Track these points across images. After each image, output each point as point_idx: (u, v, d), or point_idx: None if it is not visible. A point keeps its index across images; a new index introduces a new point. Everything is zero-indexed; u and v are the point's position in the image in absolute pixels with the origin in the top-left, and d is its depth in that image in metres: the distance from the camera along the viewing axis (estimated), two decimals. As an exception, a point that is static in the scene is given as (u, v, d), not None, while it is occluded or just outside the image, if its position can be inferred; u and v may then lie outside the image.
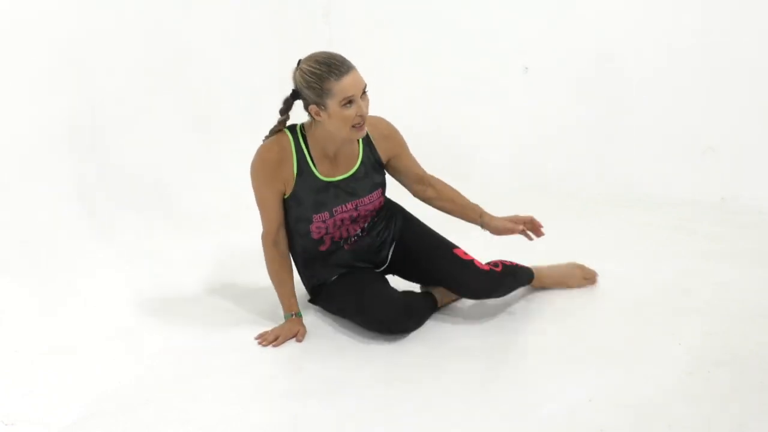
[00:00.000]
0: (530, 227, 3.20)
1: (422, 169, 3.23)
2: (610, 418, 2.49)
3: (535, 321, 3.15)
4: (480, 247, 3.29)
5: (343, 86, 2.82)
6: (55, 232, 3.83)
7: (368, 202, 3.09)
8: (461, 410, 2.59)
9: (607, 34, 4.92)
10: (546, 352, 2.94)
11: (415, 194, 3.24)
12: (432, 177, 3.25)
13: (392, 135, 3.14)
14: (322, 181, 3.01)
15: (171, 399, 2.70)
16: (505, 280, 3.19)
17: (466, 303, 3.29)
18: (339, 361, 2.91)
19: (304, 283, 3.27)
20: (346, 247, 3.14)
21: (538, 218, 3.21)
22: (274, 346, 3.02)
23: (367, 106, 2.89)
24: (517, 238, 3.24)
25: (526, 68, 5.13)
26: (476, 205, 3.22)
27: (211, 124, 4.73)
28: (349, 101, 2.84)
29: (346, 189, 3.04)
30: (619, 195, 4.62)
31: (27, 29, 3.95)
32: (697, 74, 4.71)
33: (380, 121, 3.13)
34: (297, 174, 2.98)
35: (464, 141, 5.15)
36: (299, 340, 3.05)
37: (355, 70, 2.86)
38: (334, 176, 3.03)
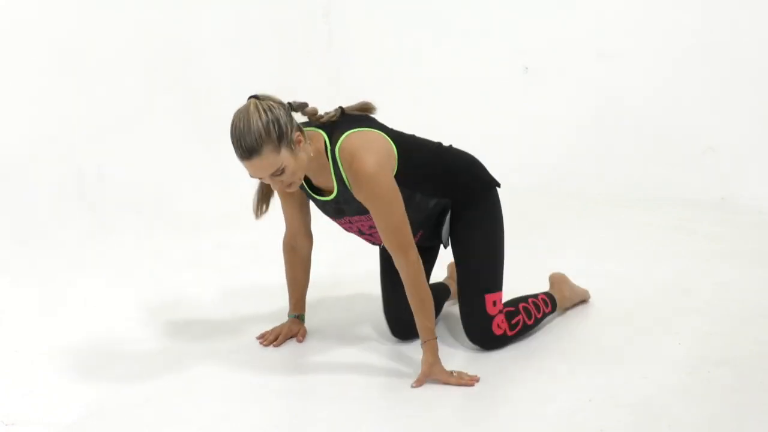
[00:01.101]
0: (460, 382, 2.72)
1: (397, 244, 2.65)
2: (610, 418, 2.49)
3: (535, 321, 3.14)
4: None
5: (244, 165, 2.55)
6: (55, 232, 3.83)
7: (358, 220, 2.83)
8: (461, 411, 2.59)
9: (607, 34, 4.92)
10: (546, 352, 2.93)
11: None
12: (404, 268, 2.66)
13: (359, 185, 2.62)
14: (309, 194, 2.84)
15: (171, 399, 2.70)
16: (514, 339, 2.94)
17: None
18: (339, 361, 2.91)
19: None
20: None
21: (538, 219, 3.19)
22: (275, 345, 3.02)
23: (283, 185, 2.58)
24: (524, 238, 3.22)
25: (526, 68, 5.13)
26: (428, 330, 2.70)
27: (211, 125, 4.72)
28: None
29: (332, 208, 2.83)
30: (619, 195, 4.62)
31: (27, 29, 3.95)
32: (697, 74, 4.71)
33: (354, 163, 2.61)
34: None
35: (464, 141, 5.13)
36: (300, 340, 3.05)
37: (258, 159, 2.48)
38: (317, 195, 2.81)
